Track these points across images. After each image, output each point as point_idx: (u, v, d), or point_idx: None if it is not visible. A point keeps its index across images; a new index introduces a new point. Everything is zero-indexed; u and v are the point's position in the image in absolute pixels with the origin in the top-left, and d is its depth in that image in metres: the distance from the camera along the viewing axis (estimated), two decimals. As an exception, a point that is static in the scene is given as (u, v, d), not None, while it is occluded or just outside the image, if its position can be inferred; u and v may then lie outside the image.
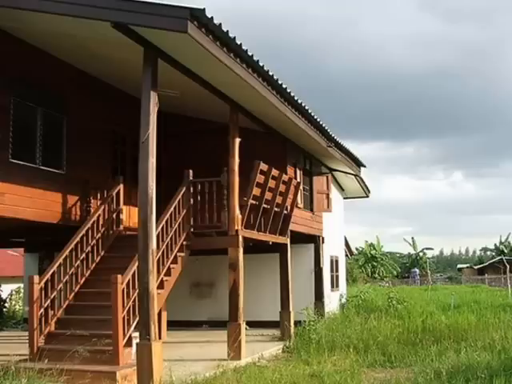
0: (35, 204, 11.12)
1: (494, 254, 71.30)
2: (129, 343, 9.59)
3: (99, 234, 11.95)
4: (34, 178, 11.15)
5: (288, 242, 15.00)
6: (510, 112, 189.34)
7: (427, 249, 70.78)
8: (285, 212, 14.35)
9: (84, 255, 11.36)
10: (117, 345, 9.34)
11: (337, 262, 22.02)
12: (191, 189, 12.09)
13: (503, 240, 71.86)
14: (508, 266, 33.87)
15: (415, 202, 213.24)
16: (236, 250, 11.82)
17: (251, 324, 13.03)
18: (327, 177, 19.34)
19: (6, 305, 22.96)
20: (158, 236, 10.09)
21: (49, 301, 10.35)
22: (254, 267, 14.86)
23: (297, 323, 14.80)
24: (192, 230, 12.09)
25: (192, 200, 12.08)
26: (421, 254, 70.15)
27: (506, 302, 21.76)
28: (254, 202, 12.50)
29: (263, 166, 12.44)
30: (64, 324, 10.39)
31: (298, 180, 15.93)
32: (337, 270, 21.89)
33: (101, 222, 12.11)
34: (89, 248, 11.53)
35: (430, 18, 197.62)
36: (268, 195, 13.03)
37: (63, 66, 11.89)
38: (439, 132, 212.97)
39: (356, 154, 19.09)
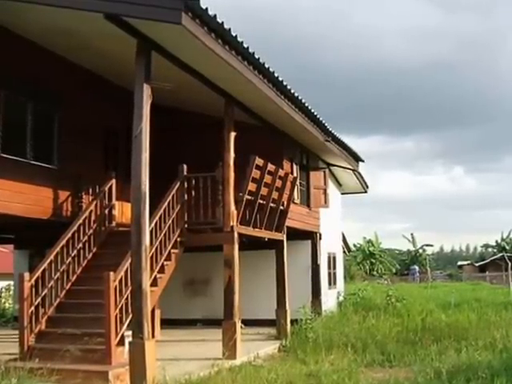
0: (26, 199, 10.96)
1: (495, 250, 70.99)
2: (121, 342, 9.46)
3: (91, 231, 11.78)
4: (25, 173, 10.99)
5: (284, 238, 14.84)
6: (510, 105, 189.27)
7: (427, 245, 70.71)
8: (281, 208, 14.19)
9: (76, 252, 11.21)
10: (109, 344, 9.23)
11: (334, 258, 21.87)
12: (185, 184, 11.92)
13: (505, 236, 71.61)
14: (510, 263, 33.70)
15: (414, 198, 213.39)
16: (231, 246, 11.66)
17: (247, 322, 12.90)
18: (324, 172, 19.17)
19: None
20: (151, 232, 9.94)
21: (39, 299, 10.21)
22: (250, 264, 14.67)
23: (293, 321, 14.63)
24: (186, 226, 11.91)
25: (186, 195, 11.90)
26: (420, 250, 69.99)
27: (507, 300, 21.63)
28: (249, 198, 12.34)
29: (259, 161, 12.28)
30: (55, 322, 10.25)
31: (295, 175, 15.75)
32: (334, 267, 21.74)
33: (93, 218, 11.95)
34: (80, 244, 11.37)
35: (428, 8, 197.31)
36: (264, 191, 12.87)
37: (56, 59, 11.67)
38: (439, 126, 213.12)
39: (354, 149, 18.93)
